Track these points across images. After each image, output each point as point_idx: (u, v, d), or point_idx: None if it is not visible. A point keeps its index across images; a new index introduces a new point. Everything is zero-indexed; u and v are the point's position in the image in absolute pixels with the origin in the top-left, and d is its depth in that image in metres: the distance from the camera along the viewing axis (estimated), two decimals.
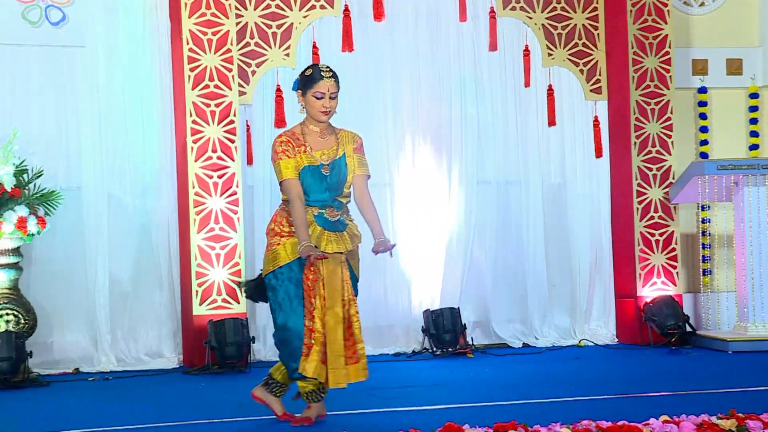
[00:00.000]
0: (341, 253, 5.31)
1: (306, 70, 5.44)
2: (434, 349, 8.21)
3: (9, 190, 7.27)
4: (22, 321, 7.30)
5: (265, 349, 8.11)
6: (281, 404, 5.45)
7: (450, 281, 8.64)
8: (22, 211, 7.25)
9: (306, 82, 5.38)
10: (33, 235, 7.33)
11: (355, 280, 5.41)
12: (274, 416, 5.46)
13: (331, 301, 5.26)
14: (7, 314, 7.25)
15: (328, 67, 5.43)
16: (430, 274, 8.64)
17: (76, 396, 6.74)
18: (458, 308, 8.35)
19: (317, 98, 5.34)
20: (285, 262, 5.29)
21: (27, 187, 7.42)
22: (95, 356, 7.84)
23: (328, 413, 5.48)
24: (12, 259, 7.33)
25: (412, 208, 8.61)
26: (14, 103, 7.86)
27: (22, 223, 7.22)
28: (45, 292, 7.82)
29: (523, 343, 8.72)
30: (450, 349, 8.18)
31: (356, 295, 5.40)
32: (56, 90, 7.97)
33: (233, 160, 7.86)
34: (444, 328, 8.20)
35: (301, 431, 5.22)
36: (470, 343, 8.36)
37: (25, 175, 7.44)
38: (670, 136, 8.81)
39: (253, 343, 7.75)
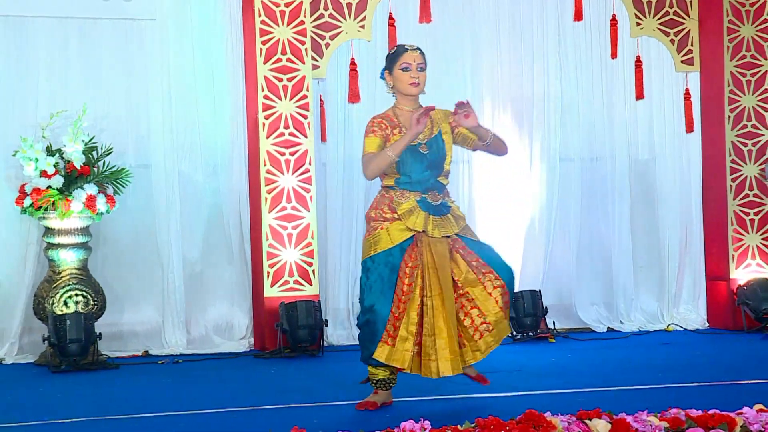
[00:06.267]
0: (448, 237, 5.38)
1: (390, 51, 5.60)
2: (514, 333, 8.16)
3: (78, 167, 7.37)
4: (91, 302, 7.41)
5: (337, 332, 8.15)
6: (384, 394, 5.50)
7: (531, 263, 8.59)
8: (91, 189, 7.34)
9: (391, 58, 5.51)
10: (102, 214, 7.43)
11: (475, 242, 5.47)
12: (345, 402, 5.52)
13: (446, 285, 5.32)
14: (76, 295, 7.37)
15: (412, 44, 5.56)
16: (510, 255, 8.53)
17: (146, 379, 6.83)
18: (539, 291, 8.29)
19: (404, 70, 5.43)
20: (386, 247, 5.35)
21: (96, 165, 7.51)
22: (165, 338, 7.95)
23: (405, 399, 5.52)
24: (81, 239, 7.44)
25: (491, 186, 8.56)
26: (84, 78, 7.95)
27: (91, 202, 7.31)
28: (114, 272, 7.93)
29: (608, 328, 8.67)
30: (530, 334, 8.13)
31: (492, 248, 5.50)
32: (126, 65, 8.05)
33: (306, 137, 7.87)
34: (524, 311, 8.16)
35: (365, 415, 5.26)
36: (552, 327, 8.32)
37: (94, 153, 7.53)
38: (767, 110, 8.64)
39: (326, 326, 7.79)
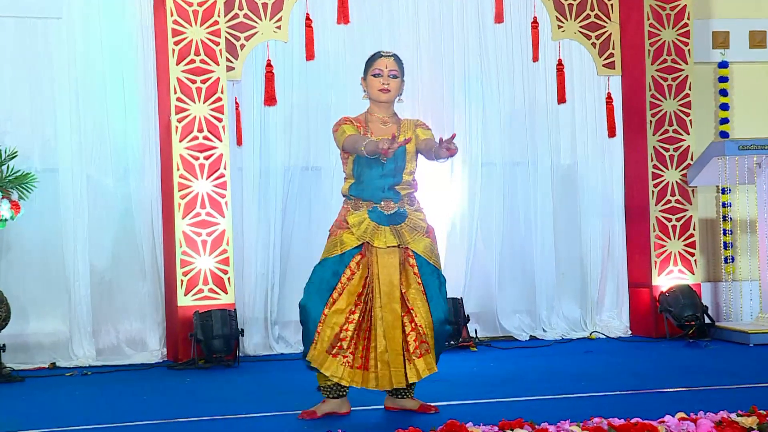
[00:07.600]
0: (397, 246, 5.45)
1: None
2: None
3: None
4: None
5: (253, 342, 8.09)
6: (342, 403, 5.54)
7: (452, 270, 8.58)
8: None
9: (367, 63, 5.64)
10: (6, 220, 7.29)
11: (429, 270, 5.53)
12: (262, 414, 5.45)
13: (388, 298, 5.40)
14: None
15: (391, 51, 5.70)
16: None
17: (53, 392, 6.71)
18: (461, 299, 8.31)
19: (375, 76, 5.59)
20: (336, 253, 5.46)
21: None
22: (73, 349, 7.81)
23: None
24: None
25: None
26: None
27: None
28: (19, 281, 7.78)
29: (531, 336, 8.70)
30: (452, 342, 8.13)
31: (442, 285, 5.55)
32: (31, 65, 7.91)
33: (221, 141, 7.81)
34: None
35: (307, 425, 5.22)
36: (474, 335, 8.33)
37: None
38: (688, 114, 8.76)
39: (242, 336, 7.73)
